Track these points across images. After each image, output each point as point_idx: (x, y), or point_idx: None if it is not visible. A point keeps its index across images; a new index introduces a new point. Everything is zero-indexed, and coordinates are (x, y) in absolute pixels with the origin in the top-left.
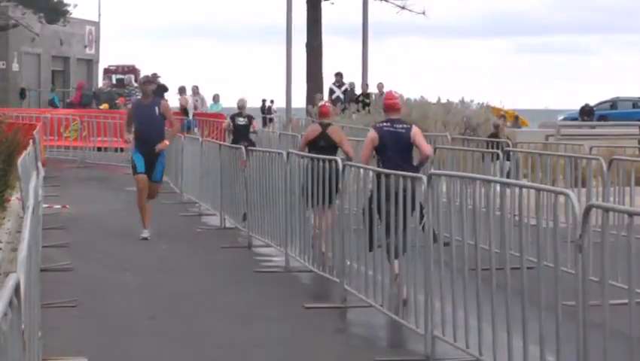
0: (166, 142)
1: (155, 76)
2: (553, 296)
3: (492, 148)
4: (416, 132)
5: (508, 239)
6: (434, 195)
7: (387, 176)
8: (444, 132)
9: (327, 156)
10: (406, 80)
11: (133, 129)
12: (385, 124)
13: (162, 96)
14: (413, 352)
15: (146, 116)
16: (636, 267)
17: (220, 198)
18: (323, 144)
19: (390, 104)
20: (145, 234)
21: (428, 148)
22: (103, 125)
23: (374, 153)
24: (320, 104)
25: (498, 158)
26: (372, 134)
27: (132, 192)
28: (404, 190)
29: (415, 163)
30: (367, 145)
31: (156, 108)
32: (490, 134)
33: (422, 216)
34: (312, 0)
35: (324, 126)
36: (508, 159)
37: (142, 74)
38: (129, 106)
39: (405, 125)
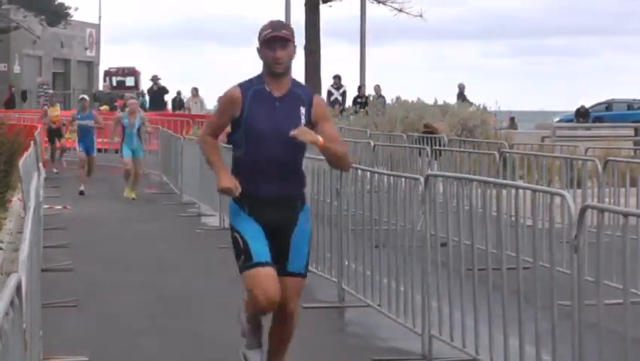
0: (344, 147)
1: (156, 77)
2: (549, 296)
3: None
4: None
5: (504, 239)
6: (431, 195)
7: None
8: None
9: None
10: (404, 81)
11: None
12: None
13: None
14: (411, 351)
15: (278, 122)
16: (631, 267)
17: (219, 198)
18: None
19: None
20: None
21: None
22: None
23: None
24: None
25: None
26: None
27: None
28: None
29: None
30: None
31: (302, 109)
32: (424, 132)
33: None
34: (310, 2)
35: None
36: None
37: (142, 76)
38: (228, 98)
39: None
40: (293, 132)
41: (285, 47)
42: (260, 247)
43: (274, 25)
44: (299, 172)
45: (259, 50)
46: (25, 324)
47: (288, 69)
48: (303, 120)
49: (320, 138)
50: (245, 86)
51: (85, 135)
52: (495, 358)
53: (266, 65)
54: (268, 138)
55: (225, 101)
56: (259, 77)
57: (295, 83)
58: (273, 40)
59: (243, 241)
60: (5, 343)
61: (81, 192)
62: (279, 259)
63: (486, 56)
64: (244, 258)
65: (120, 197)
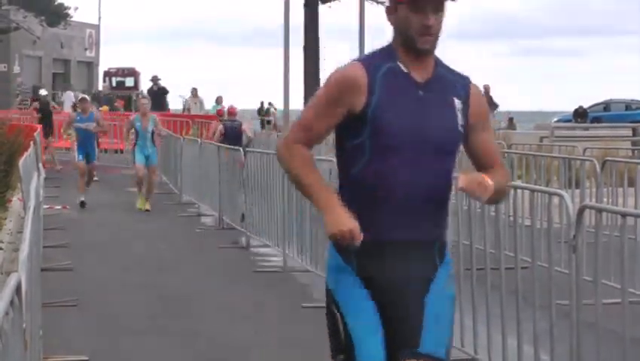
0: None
1: (156, 78)
2: (547, 296)
3: None
4: (245, 126)
5: (503, 239)
6: None
7: None
8: None
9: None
10: None
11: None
12: (227, 122)
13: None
14: None
15: (424, 122)
16: (629, 266)
17: (218, 198)
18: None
19: (232, 111)
20: None
21: (250, 133)
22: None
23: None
24: (224, 107)
25: None
26: (221, 127)
27: (132, 194)
28: None
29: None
30: (217, 134)
31: (456, 102)
32: None
33: None
34: (309, 3)
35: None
36: None
37: (142, 76)
38: (344, 79)
39: (237, 122)
40: (461, 185)
41: (438, 12)
42: (372, 344)
43: None
44: (447, 203)
45: (391, 11)
46: (25, 324)
47: (435, 47)
48: (459, 121)
49: (490, 185)
50: (369, 62)
51: (86, 140)
52: (494, 357)
53: (404, 36)
54: (409, 147)
55: (340, 84)
56: (388, 50)
57: (440, 62)
58: (424, 0)
59: (346, 332)
60: (5, 343)
61: (82, 203)
62: (402, 333)
63: (486, 56)
64: (344, 358)
65: (119, 197)
